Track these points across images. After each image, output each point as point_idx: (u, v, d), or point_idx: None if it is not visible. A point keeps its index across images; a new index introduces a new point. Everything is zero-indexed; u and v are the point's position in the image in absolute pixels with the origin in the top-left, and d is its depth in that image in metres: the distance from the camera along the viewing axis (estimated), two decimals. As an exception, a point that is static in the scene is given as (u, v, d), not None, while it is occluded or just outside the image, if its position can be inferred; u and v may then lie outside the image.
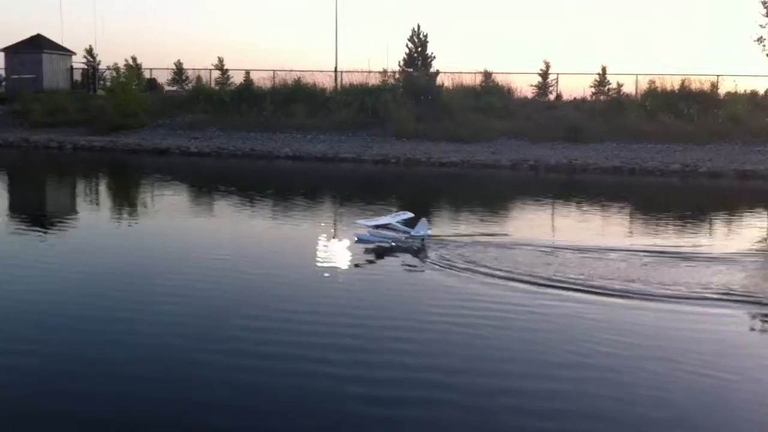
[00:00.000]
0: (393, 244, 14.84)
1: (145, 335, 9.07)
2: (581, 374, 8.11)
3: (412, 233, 14.92)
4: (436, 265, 13.24)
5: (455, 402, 7.29)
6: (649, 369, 8.23)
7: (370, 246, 14.71)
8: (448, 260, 13.44)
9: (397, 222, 15.22)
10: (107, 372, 7.90)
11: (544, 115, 39.65)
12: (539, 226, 18.81)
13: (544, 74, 46.19)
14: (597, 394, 7.62)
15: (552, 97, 45.57)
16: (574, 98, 43.57)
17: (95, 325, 9.54)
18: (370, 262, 13.88)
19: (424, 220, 15.28)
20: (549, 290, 11.48)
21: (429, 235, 15.08)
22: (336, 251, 14.87)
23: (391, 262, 14.01)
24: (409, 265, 13.60)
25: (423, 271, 13.27)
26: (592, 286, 11.64)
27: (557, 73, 46.15)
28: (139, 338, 8.94)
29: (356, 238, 14.99)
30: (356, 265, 13.58)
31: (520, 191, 26.53)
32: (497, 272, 12.46)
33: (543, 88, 46.27)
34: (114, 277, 12.22)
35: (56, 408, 6.98)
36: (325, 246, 15.37)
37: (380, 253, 14.41)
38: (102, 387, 7.49)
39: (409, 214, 15.76)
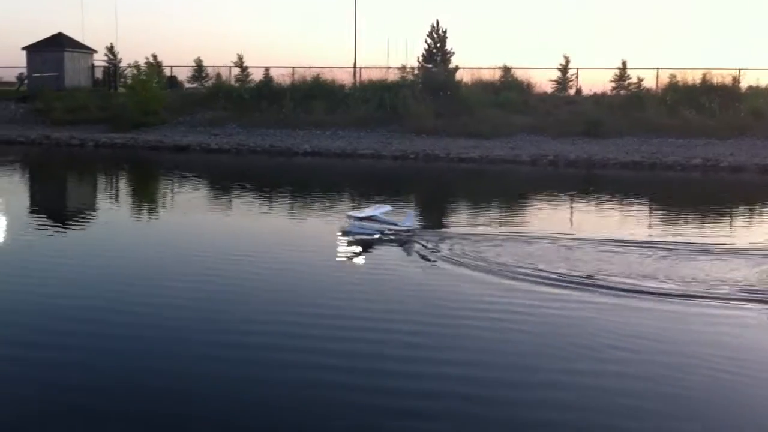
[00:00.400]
0: (378, 236, 15.07)
1: (166, 329, 9.21)
2: (598, 370, 8.10)
3: (399, 225, 15.20)
4: (453, 260, 13.18)
5: (473, 397, 7.30)
6: (667, 367, 8.17)
7: (358, 238, 14.99)
8: (465, 255, 13.40)
9: (381, 214, 15.50)
10: (133, 367, 8.02)
11: (564, 110, 39.47)
12: (558, 220, 18.76)
13: (564, 69, 45.93)
14: (614, 390, 7.56)
15: (572, 91, 45.33)
16: (594, 93, 43.31)
17: (119, 318, 9.63)
18: (386, 257, 13.91)
19: (411, 212, 15.80)
20: (565, 286, 11.41)
21: (415, 228, 15.37)
22: (352, 247, 14.89)
23: (406, 258, 14.00)
24: (426, 261, 13.57)
25: (439, 266, 13.16)
26: (609, 283, 11.54)
27: (577, 68, 45.95)
28: (160, 332, 9.09)
29: (342, 231, 15.32)
30: (371, 261, 13.63)
31: (539, 186, 26.41)
32: (513, 268, 12.40)
33: (562, 82, 46.03)
34: (135, 272, 12.36)
35: (84, 402, 7.09)
36: (341, 242, 15.34)
37: (397, 248, 14.46)
38: (131, 381, 7.60)
39: (388, 208, 16.02)
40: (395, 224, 15.33)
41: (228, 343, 8.73)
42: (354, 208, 17.77)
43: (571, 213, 20.92)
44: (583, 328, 9.52)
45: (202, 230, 17.08)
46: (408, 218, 15.45)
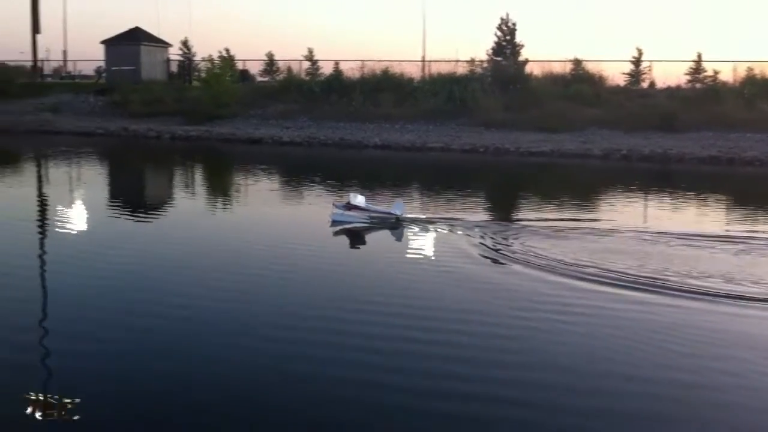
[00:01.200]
0: (367, 224, 15.46)
1: (226, 322, 9.35)
2: (667, 378, 7.70)
3: (388, 212, 15.73)
4: (520, 256, 12.77)
5: (525, 403, 7.06)
6: (735, 374, 7.80)
7: (348, 227, 15.33)
8: (531, 251, 13.05)
9: (363, 201, 16.02)
10: (191, 355, 8.17)
11: (637, 104, 38.79)
12: (634, 215, 18.47)
13: (637, 61, 45.14)
14: (683, 401, 7.20)
15: (645, 84, 44.50)
16: (668, 86, 42.43)
17: (182, 311, 9.67)
18: (450, 252, 13.51)
19: (399, 200, 16.33)
20: (634, 286, 10.86)
21: (404, 216, 15.73)
22: (418, 242, 14.70)
23: (467, 252, 13.34)
24: (491, 259, 12.96)
25: (505, 263, 12.62)
26: (683, 284, 10.97)
27: (650, 61, 45.10)
28: (219, 326, 9.18)
29: (331, 220, 15.64)
30: (432, 257, 13.36)
31: (613, 181, 26.03)
32: (582, 265, 11.96)
33: (635, 75, 45.20)
34: (202, 263, 12.58)
35: (152, 389, 7.25)
36: (410, 236, 15.18)
37: (455, 243, 14.14)
38: (194, 370, 7.74)
39: (361, 197, 16.32)
40: (383, 212, 15.89)
41: (293, 339, 8.66)
42: (435, 205, 17.83)
43: (647, 207, 20.58)
44: (651, 331, 9.03)
45: (273, 220, 17.42)
46: (397, 206, 15.91)
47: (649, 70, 45.10)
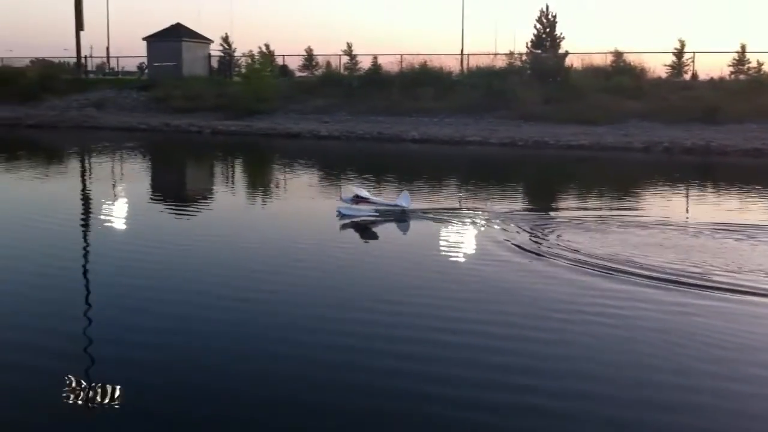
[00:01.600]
0: (371, 216, 15.58)
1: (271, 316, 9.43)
2: (719, 386, 7.42)
3: (395, 204, 15.82)
4: (557, 252, 12.48)
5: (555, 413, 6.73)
6: None
7: (355, 219, 15.42)
8: (570, 246, 12.76)
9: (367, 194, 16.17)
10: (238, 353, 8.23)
11: (679, 96, 38.21)
12: (674, 207, 18.29)
13: (679, 53, 44.53)
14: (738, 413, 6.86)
15: (687, 76, 43.86)
16: (711, 78, 41.77)
17: (230, 303, 9.80)
18: (485, 248, 13.24)
19: (405, 192, 16.33)
20: (676, 282, 10.53)
21: (410, 207, 15.82)
22: (453, 237, 14.57)
23: (504, 248, 13.07)
24: (529, 254, 12.58)
25: (540, 258, 12.28)
26: (722, 279, 10.64)
27: (693, 52, 44.44)
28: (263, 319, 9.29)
29: (338, 213, 15.75)
30: (468, 252, 13.21)
31: (653, 173, 25.71)
32: (623, 260, 11.69)
33: (677, 67, 44.58)
34: (246, 257, 12.83)
35: (206, 382, 7.32)
36: (446, 231, 15.05)
37: (492, 237, 13.98)
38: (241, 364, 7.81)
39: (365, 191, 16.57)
40: (389, 204, 15.98)
41: (338, 333, 8.68)
42: (477, 200, 17.79)
43: (690, 200, 20.32)
44: (698, 333, 8.70)
45: (307, 214, 17.58)
46: (403, 198, 15.97)
47: (692, 61, 44.46)
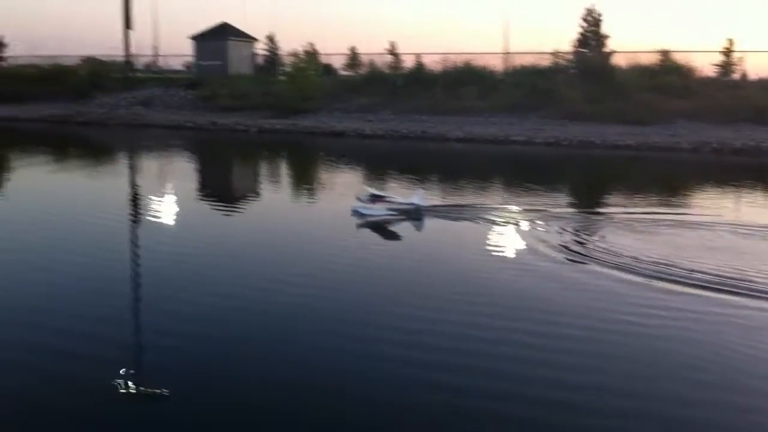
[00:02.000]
0: (388, 216, 15.66)
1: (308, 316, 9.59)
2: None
3: (409, 203, 16.06)
4: (603, 255, 12.36)
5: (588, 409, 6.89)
6: None
7: (372, 219, 15.43)
8: (614, 248, 12.64)
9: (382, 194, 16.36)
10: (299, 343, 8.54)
11: (728, 95, 37.51)
12: (724, 208, 17.96)
13: (728, 52, 43.70)
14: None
15: (736, 76, 43.03)
16: (761, 77, 40.92)
17: (275, 297, 10.09)
18: (530, 249, 13.16)
19: (420, 191, 16.86)
20: (718, 288, 10.40)
21: (424, 205, 16.07)
22: (498, 237, 14.51)
23: (548, 249, 13.04)
24: (573, 256, 12.60)
25: (585, 261, 12.26)
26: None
27: (743, 51, 43.58)
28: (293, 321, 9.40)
29: (355, 212, 15.76)
30: (513, 253, 13.13)
31: (702, 174, 25.44)
32: (665, 260, 11.63)
33: (726, 66, 43.76)
34: (289, 254, 13.02)
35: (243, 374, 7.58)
36: (490, 231, 15.01)
37: (539, 237, 13.93)
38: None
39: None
40: (404, 202, 16.13)
41: (377, 337, 8.79)
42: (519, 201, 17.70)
43: (740, 201, 19.99)
44: (747, 338, 8.67)
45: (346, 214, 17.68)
46: (416, 196, 16.29)
47: (741, 60, 43.62)
